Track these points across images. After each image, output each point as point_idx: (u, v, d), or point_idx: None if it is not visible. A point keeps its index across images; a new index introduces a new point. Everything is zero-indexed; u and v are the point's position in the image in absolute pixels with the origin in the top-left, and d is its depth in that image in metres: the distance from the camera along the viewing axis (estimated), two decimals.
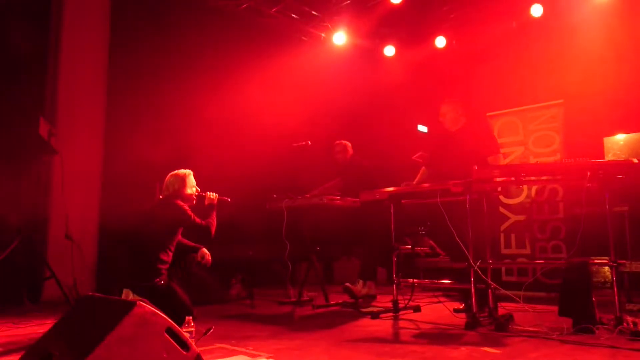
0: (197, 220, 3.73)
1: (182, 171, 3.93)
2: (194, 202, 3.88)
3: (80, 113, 5.46)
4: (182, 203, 3.75)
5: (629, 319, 3.10)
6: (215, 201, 3.92)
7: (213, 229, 3.80)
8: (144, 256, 3.64)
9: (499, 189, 4.02)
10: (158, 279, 3.56)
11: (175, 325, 1.84)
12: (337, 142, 5.56)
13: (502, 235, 5.52)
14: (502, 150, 4.38)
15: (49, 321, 3.59)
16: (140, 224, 3.81)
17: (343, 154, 5.50)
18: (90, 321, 1.89)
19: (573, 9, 6.46)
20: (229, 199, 4.04)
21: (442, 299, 4.81)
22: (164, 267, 3.63)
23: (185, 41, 6.45)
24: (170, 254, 3.68)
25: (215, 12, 6.90)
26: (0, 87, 5.01)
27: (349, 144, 5.58)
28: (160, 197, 3.95)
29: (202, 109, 6.26)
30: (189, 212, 3.75)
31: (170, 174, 3.92)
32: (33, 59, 5.29)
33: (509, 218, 5.50)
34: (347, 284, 4.85)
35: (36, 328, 3.43)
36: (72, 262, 4.74)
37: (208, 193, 3.94)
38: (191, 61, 6.45)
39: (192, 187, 3.89)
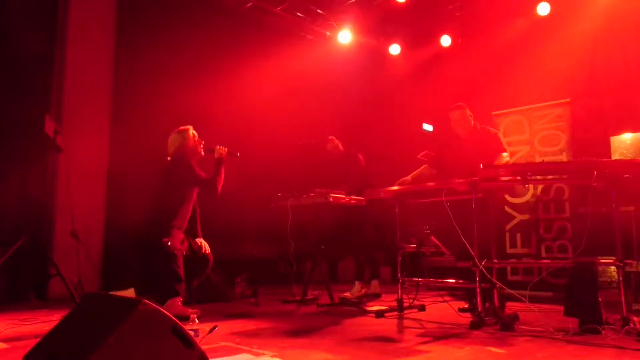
0: (202, 175, 3.72)
1: (182, 127, 3.96)
2: (202, 153, 3.88)
3: (86, 111, 5.48)
4: (186, 160, 3.75)
5: (636, 319, 3.08)
6: (225, 155, 3.86)
7: (219, 185, 3.77)
8: (157, 216, 3.75)
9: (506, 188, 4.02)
10: (167, 239, 3.61)
11: (180, 323, 1.84)
12: (329, 138, 5.56)
13: (507, 234, 5.50)
14: (508, 150, 4.35)
15: (55, 318, 3.60)
16: (154, 186, 3.88)
17: (337, 149, 5.51)
18: (95, 319, 1.89)
19: (579, 8, 6.42)
20: (238, 154, 4.00)
21: (447, 298, 4.79)
22: (175, 227, 3.68)
23: (190, 40, 6.45)
24: (184, 216, 3.73)
25: (221, 11, 6.90)
26: (7, 85, 5.03)
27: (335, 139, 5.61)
28: (168, 159, 3.93)
29: (207, 107, 6.26)
30: (193, 167, 3.74)
31: (171, 134, 3.96)
32: (39, 58, 5.31)
33: (514, 217, 5.48)
34: (342, 296, 4.90)
35: (42, 325, 3.44)
36: (78, 260, 4.76)
37: (217, 146, 3.89)
38: (196, 60, 6.45)
39: (194, 140, 3.87)
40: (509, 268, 5.29)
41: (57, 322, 2.03)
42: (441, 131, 4.61)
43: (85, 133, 5.38)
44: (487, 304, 3.67)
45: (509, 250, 5.47)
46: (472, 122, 4.40)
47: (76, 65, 5.47)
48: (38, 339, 1.92)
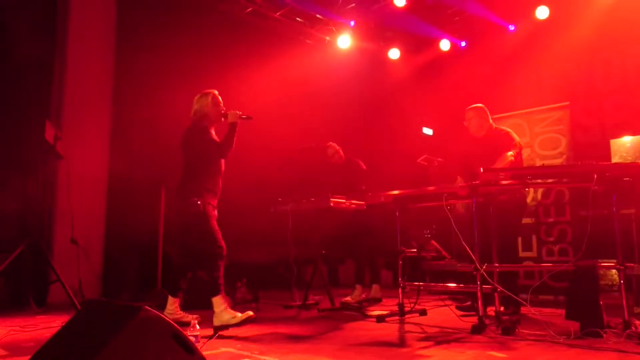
0: (212, 139, 3.69)
1: (206, 90, 3.89)
2: (222, 119, 3.81)
3: (86, 117, 5.49)
4: (201, 124, 3.72)
5: (637, 322, 3.08)
6: (237, 119, 3.77)
7: (227, 150, 3.72)
8: (183, 177, 3.72)
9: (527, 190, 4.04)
10: (196, 198, 3.57)
11: (180, 329, 1.83)
12: (329, 144, 5.56)
13: None
14: (520, 144, 4.33)
15: (55, 325, 3.60)
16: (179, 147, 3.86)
17: (338, 154, 5.52)
18: (95, 325, 1.89)
19: (578, 11, 6.44)
20: (251, 117, 3.90)
21: (448, 302, 4.78)
22: (203, 189, 3.63)
23: (191, 45, 6.47)
24: (209, 178, 3.69)
25: (221, 16, 6.92)
26: (7, 91, 5.04)
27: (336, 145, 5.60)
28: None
29: None
30: (202, 131, 3.69)
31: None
32: (39, 64, 5.32)
33: None
34: (343, 300, 4.90)
35: (42, 332, 3.43)
36: (78, 266, 4.76)
37: (231, 111, 3.81)
38: (197, 65, 6.46)
39: (214, 104, 3.80)
40: (521, 272, 5.22)
41: (57, 328, 2.02)
42: (464, 136, 4.61)
43: (86, 139, 5.39)
44: (511, 309, 3.74)
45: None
46: (488, 124, 4.39)
47: (76, 72, 5.48)
48: (39, 346, 1.92)
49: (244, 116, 3.81)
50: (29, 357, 1.93)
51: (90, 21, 5.67)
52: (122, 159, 5.64)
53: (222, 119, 3.82)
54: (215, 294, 3.53)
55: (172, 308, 3.76)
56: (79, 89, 5.50)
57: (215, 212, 3.79)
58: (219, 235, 3.68)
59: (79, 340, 1.86)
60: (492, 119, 4.47)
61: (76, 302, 4.00)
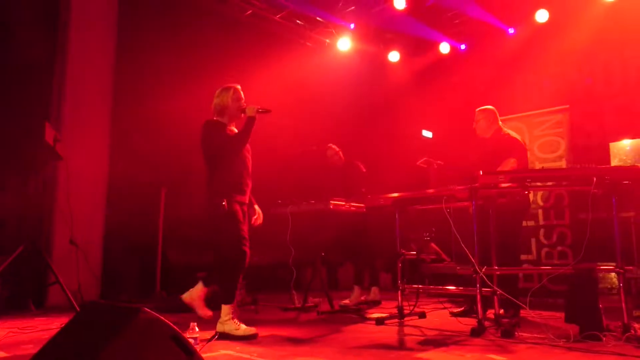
0: (222, 134, 3.54)
1: (228, 84, 3.76)
2: (242, 115, 3.65)
3: (86, 119, 5.49)
4: (215, 120, 3.61)
5: (637, 326, 3.08)
6: (254, 113, 3.59)
7: (238, 144, 3.56)
8: (206, 177, 3.60)
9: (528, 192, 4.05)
10: (219, 199, 3.45)
11: (179, 331, 1.83)
12: (328, 146, 5.57)
13: None
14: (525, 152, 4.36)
15: (54, 327, 3.59)
16: None
17: (337, 156, 5.53)
18: (94, 327, 1.88)
19: (578, 15, 6.45)
20: (270, 110, 3.71)
21: (447, 305, 4.78)
22: (226, 186, 3.50)
23: (191, 47, 6.48)
24: (231, 174, 3.54)
25: (221, 18, 6.93)
26: (7, 92, 5.05)
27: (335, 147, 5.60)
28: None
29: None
30: (214, 127, 3.56)
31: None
32: (40, 65, 5.33)
33: None
34: (342, 303, 4.89)
35: (41, 334, 3.43)
36: (77, 268, 4.75)
37: (250, 105, 3.64)
38: (197, 67, 6.47)
39: (238, 99, 3.65)
40: (521, 275, 5.22)
41: (56, 330, 2.02)
42: (475, 138, 4.61)
43: (85, 141, 5.39)
44: (511, 312, 3.75)
45: None
46: (496, 127, 4.39)
47: (76, 73, 5.48)
48: (37, 348, 1.92)
49: (261, 110, 3.63)
50: (27, 359, 1.92)
51: (90, 22, 5.68)
52: (122, 160, 5.64)
53: (242, 114, 3.67)
54: (227, 302, 3.47)
55: (195, 294, 3.64)
56: (79, 90, 5.50)
57: (245, 208, 3.64)
58: (244, 239, 3.51)
59: (78, 343, 1.85)
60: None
61: (75, 304, 4.00)
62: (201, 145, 3.63)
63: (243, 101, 3.70)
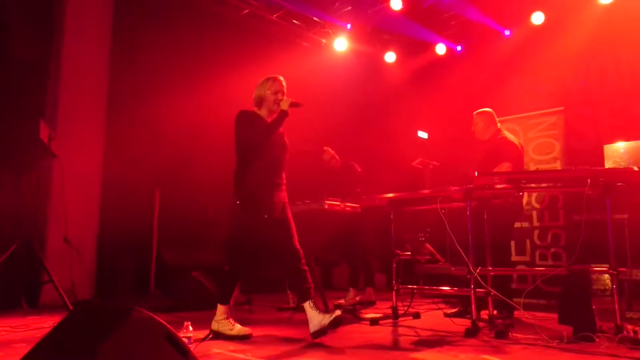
0: (248, 127, 3.39)
1: (271, 75, 3.60)
2: (279, 108, 3.46)
3: (81, 117, 5.47)
4: (248, 112, 3.48)
5: (629, 327, 3.09)
6: (287, 107, 3.44)
7: (261, 135, 3.38)
8: (236, 171, 3.45)
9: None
10: (237, 198, 3.36)
11: (173, 330, 1.82)
12: (324, 149, 5.57)
13: None
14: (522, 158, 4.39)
15: (47, 326, 3.57)
16: None
17: (334, 159, 5.53)
18: (87, 326, 1.87)
19: (573, 17, 6.48)
20: (301, 104, 3.50)
21: (441, 305, 4.79)
22: (242, 184, 3.38)
23: (187, 46, 6.47)
24: (261, 171, 3.37)
25: (217, 18, 6.92)
26: (1, 90, 5.02)
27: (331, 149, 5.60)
28: None
29: (203, 114, 6.27)
30: (242, 119, 3.43)
31: None
32: (34, 63, 5.30)
33: None
34: (336, 303, 4.90)
35: (34, 332, 3.41)
36: (71, 267, 4.73)
37: (284, 98, 3.48)
38: (193, 66, 6.46)
39: (277, 92, 3.49)
40: (515, 276, 5.23)
41: (49, 329, 2.01)
42: (475, 140, 4.63)
43: (80, 139, 5.36)
44: (504, 312, 3.76)
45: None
46: (494, 129, 4.41)
47: (72, 71, 5.46)
48: (30, 347, 1.90)
49: (294, 103, 3.46)
50: (19, 358, 1.91)
51: (86, 21, 5.65)
52: (117, 159, 5.62)
53: (278, 107, 3.49)
54: (223, 302, 3.46)
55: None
56: (74, 89, 5.48)
57: (277, 204, 3.43)
58: (248, 252, 3.45)
59: (71, 342, 1.84)
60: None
61: (68, 303, 3.98)
62: (234, 137, 3.49)
63: (282, 93, 3.53)
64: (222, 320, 3.41)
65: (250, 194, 3.38)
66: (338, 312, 3.22)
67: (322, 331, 3.17)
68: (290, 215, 3.52)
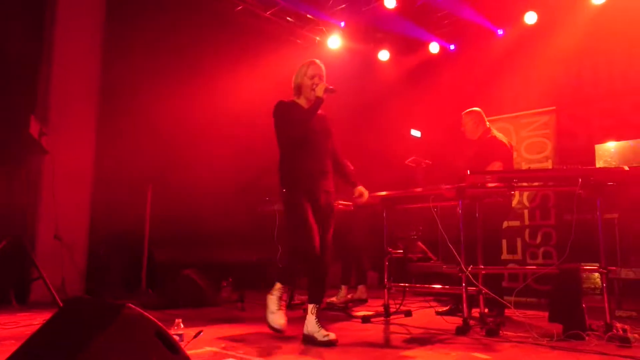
0: (285, 116, 3.29)
1: (309, 59, 3.45)
2: (316, 94, 3.30)
3: (72, 113, 5.42)
4: (285, 100, 3.36)
5: (619, 325, 3.12)
6: (322, 93, 3.28)
7: (298, 124, 3.25)
8: (279, 163, 3.35)
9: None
10: (284, 187, 3.27)
11: (164, 328, 1.82)
12: None
13: None
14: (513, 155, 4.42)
15: (37, 323, 3.55)
16: None
17: None
18: (78, 323, 1.86)
19: (566, 17, 6.52)
20: (335, 90, 3.33)
21: (433, 303, 4.81)
22: (286, 174, 3.30)
23: (179, 42, 6.43)
24: (302, 159, 3.26)
25: (211, 14, 6.88)
26: None
27: None
28: None
29: (195, 111, 6.24)
30: (281, 109, 3.32)
31: None
32: (25, 57, 5.25)
33: None
34: (328, 301, 4.88)
35: (23, 329, 3.38)
36: (62, 263, 4.70)
37: (320, 84, 3.32)
38: (185, 62, 6.43)
39: (313, 76, 3.34)
40: (506, 274, 5.26)
41: (39, 326, 1.99)
42: (465, 140, 4.64)
43: (71, 135, 5.32)
44: (495, 311, 3.79)
45: None
46: (483, 128, 4.42)
47: (63, 66, 5.41)
48: (19, 344, 1.89)
49: (329, 88, 3.30)
50: (8, 355, 1.90)
51: (77, 15, 5.60)
52: (108, 155, 5.58)
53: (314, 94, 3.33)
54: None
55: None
56: (66, 84, 5.43)
57: (321, 195, 3.30)
58: (308, 232, 3.17)
59: (61, 339, 1.83)
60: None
61: (58, 300, 3.95)
62: (274, 128, 3.40)
63: (319, 77, 3.37)
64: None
65: (294, 182, 3.26)
66: (333, 337, 3.08)
67: (312, 341, 3.10)
68: (333, 208, 3.41)
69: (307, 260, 3.20)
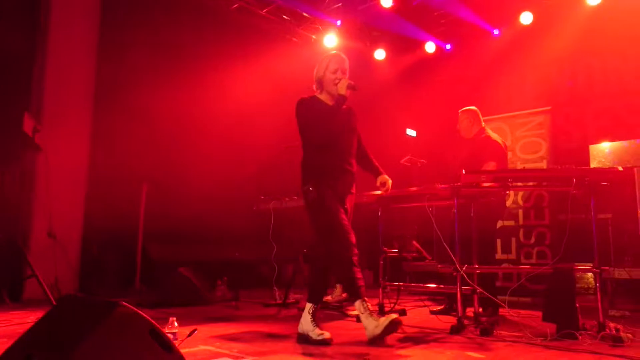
0: (306, 113, 3.16)
1: (333, 52, 3.33)
2: (338, 91, 3.18)
3: (67, 110, 5.39)
4: (306, 97, 3.23)
5: (612, 325, 3.13)
6: (344, 91, 3.16)
7: (322, 129, 3.14)
8: (302, 160, 3.23)
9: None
10: (309, 185, 3.12)
11: (158, 326, 1.81)
12: None
13: None
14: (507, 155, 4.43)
15: (29, 321, 3.53)
16: None
17: None
18: (71, 321, 1.85)
19: (561, 18, 6.54)
20: (356, 87, 3.22)
21: (427, 302, 4.81)
22: (310, 172, 3.17)
23: (175, 40, 6.40)
24: (324, 156, 3.14)
25: (207, 12, 6.87)
26: None
27: None
28: None
29: (190, 109, 6.22)
30: (302, 105, 3.18)
31: None
32: (20, 54, 5.21)
33: None
34: (323, 299, 4.87)
35: (16, 327, 3.36)
36: (55, 261, 4.67)
37: (342, 80, 3.19)
38: (181, 60, 6.41)
39: (335, 71, 3.20)
40: (500, 274, 5.27)
41: (32, 324, 1.98)
42: (459, 138, 4.64)
43: (66, 132, 5.29)
44: (490, 310, 3.79)
45: None
46: (478, 127, 4.43)
47: (58, 63, 5.38)
48: (12, 342, 1.88)
49: (352, 84, 3.18)
50: (0, 353, 1.88)
51: (73, 12, 5.57)
52: (103, 152, 5.56)
53: (336, 89, 3.19)
54: (355, 296, 3.02)
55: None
56: (60, 81, 5.40)
57: (346, 192, 3.21)
58: (343, 230, 3.03)
59: (54, 336, 1.82)
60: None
61: (52, 298, 3.93)
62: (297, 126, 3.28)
63: (342, 72, 3.22)
64: (365, 315, 2.99)
65: (320, 180, 3.13)
66: (328, 336, 2.99)
67: (306, 340, 3.05)
68: (351, 209, 3.28)
69: (342, 265, 3.04)
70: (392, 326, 2.90)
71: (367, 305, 2.98)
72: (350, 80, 3.19)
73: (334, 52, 3.34)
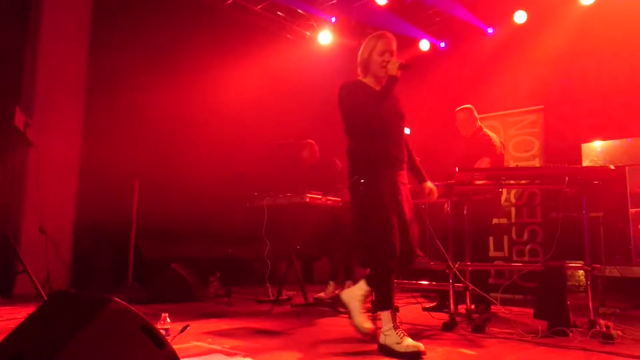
0: (353, 98, 2.96)
1: (378, 32, 3.11)
2: (387, 73, 2.94)
3: (59, 105, 5.35)
4: (351, 80, 3.05)
5: (602, 322, 3.16)
6: (395, 71, 2.90)
7: (370, 112, 2.92)
8: (347, 150, 3.01)
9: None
10: (359, 176, 2.87)
11: (150, 322, 1.80)
12: (306, 141, 5.54)
13: None
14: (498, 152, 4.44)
15: (20, 316, 3.50)
16: None
17: (314, 154, 5.51)
18: (62, 317, 1.84)
19: (555, 17, 6.56)
20: (409, 65, 2.97)
21: (420, 299, 4.83)
22: (359, 162, 2.91)
23: (169, 36, 6.37)
24: (375, 145, 2.89)
25: (200, 8, 6.83)
26: None
27: (315, 143, 5.56)
28: None
29: (184, 105, 6.19)
30: (348, 90, 2.99)
31: None
32: (10, 48, 5.16)
33: None
34: (316, 296, 4.88)
35: (6, 323, 3.34)
36: (47, 257, 4.64)
37: (393, 61, 2.95)
38: (174, 56, 6.37)
39: (383, 52, 3.00)
40: (493, 271, 5.28)
41: (22, 320, 1.97)
42: (459, 136, 4.65)
43: (58, 126, 5.25)
44: (482, 307, 3.80)
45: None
46: (475, 126, 4.45)
47: (49, 57, 5.34)
48: (2, 337, 1.86)
49: (403, 64, 2.93)
50: None
51: (65, 6, 5.52)
52: (95, 148, 5.52)
53: (385, 72, 2.96)
54: (383, 307, 2.79)
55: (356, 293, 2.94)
56: (52, 75, 5.35)
57: (399, 185, 2.90)
58: (392, 233, 2.75)
59: (45, 332, 1.81)
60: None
61: (43, 293, 3.90)
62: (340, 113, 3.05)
63: (390, 54, 3.01)
64: (389, 332, 2.72)
65: (372, 171, 2.87)
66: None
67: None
68: (409, 202, 2.98)
69: (379, 271, 2.82)
70: (414, 356, 2.61)
71: (395, 318, 2.76)
72: (401, 60, 2.94)
73: (380, 31, 3.11)
